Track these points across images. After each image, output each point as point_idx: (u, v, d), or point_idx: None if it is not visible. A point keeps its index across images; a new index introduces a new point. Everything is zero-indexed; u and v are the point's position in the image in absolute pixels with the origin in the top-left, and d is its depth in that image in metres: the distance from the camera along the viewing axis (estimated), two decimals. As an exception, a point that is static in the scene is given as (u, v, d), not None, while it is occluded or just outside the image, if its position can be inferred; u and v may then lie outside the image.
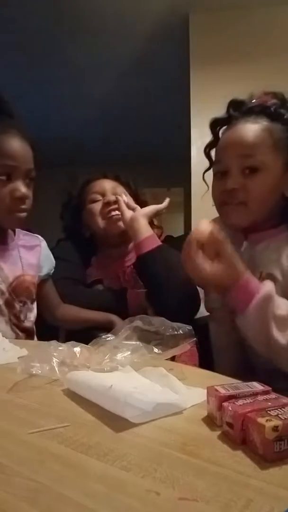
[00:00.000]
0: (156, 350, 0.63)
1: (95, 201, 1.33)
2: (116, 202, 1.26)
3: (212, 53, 2.74)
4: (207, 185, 0.99)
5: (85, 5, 2.65)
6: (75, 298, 1.21)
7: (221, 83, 2.70)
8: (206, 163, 1.03)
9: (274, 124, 0.88)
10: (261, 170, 0.85)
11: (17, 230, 1.12)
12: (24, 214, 0.99)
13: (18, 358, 0.69)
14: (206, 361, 1.03)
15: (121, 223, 1.24)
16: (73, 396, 0.52)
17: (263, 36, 2.66)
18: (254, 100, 0.93)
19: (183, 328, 0.66)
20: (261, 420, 0.38)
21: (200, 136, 2.75)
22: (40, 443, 0.41)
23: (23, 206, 0.98)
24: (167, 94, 3.80)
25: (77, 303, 1.21)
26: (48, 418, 0.46)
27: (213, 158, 0.98)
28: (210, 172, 0.99)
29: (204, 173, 1.02)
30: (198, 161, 2.74)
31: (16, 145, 0.95)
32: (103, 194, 1.32)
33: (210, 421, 0.45)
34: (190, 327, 0.66)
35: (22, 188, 0.96)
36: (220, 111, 1.01)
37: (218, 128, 0.98)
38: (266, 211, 0.88)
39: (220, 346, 1.01)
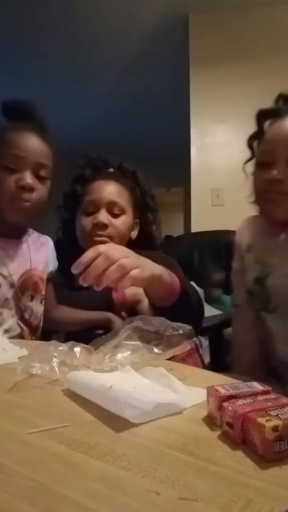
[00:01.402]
0: (156, 350, 0.63)
1: (87, 213, 1.22)
2: (106, 225, 1.17)
3: (212, 53, 2.74)
4: (246, 176, 0.99)
5: (85, 5, 2.65)
6: (62, 302, 1.21)
7: (220, 83, 2.70)
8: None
9: None
10: None
11: (28, 228, 1.13)
12: (27, 205, 0.97)
13: (18, 358, 0.69)
14: (217, 363, 1.05)
15: None
16: (73, 396, 0.52)
17: (263, 36, 2.66)
18: None
19: (183, 328, 0.66)
20: (261, 420, 0.38)
21: (199, 136, 2.75)
22: (40, 443, 0.41)
23: (27, 196, 0.96)
24: (166, 94, 3.80)
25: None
26: (48, 418, 0.46)
27: (255, 150, 0.97)
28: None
29: (245, 163, 1.00)
30: (197, 161, 2.75)
31: (27, 139, 0.97)
32: (98, 207, 1.21)
33: (210, 421, 0.45)
34: (190, 327, 0.66)
35: (27, 178, 0.96)
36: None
37: (263, 120, 0.96)
38: None
39: (239, 343, 1.03)
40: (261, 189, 0.91)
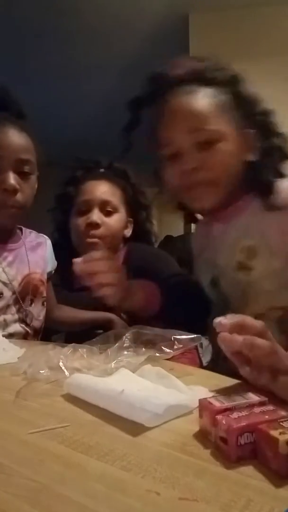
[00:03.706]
0: (162, 350, 0.63)
1: (81, 212, 1.24)
2: (99, 225, 1.18)
3: (212, 53, 2.73)
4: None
5: (85, 5, 2.65)
6: (60, 302, 1.20)
7: (221, 83, 2.69)
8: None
9: (212, 89, 0.80)
10: (218, 141, 0.77)
11: (23, 228, 1.12)
12: (14, 210, 0.93)
13: (18, 358, 0.69)
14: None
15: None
16: (73, 396, 0.52)
17: (263, 36, 2.66)
18: (180, 70, 0.83)
19: (186, 333, 0.66)
20: (274, 433, 0.35)
21: (200, 136, 2.75)
22: (40, 443, 0.41)
23: (11, 202, 0.91)
24: (167, 94, 3.79)
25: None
26: (48, 418, 0.46)
27: (132, 142, 0.89)
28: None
29: (120, 156, 0.93)
30: (198, 161, 2.75)
31: (4, 134, 0.89)
32: (90, 207, 1.22)
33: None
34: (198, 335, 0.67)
35: (10, 179, 0.89)
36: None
37: (139, 108, 0.86)
38: (234, 183, 0.80)
39: None
40: (179, 183, 0.81)
